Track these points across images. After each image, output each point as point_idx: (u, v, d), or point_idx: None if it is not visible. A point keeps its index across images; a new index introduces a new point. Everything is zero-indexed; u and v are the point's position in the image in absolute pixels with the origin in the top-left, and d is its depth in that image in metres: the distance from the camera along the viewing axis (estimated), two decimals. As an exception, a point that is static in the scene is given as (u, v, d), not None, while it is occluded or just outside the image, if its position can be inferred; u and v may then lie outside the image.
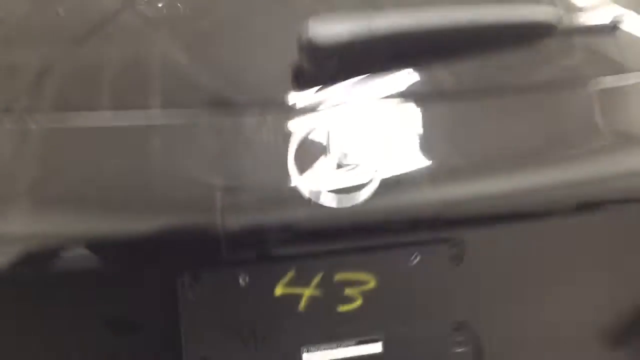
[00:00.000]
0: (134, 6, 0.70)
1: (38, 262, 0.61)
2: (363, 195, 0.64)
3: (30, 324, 0.65)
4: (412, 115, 0.69)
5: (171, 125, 0.63)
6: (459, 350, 0.71)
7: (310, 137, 0.64)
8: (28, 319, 0.64)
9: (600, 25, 0.79)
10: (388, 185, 0.65)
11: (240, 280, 0.65)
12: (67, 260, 0.61)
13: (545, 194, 0.71)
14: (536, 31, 0.72)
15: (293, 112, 0.65)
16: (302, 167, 0.63)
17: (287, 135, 0.64)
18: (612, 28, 0.79)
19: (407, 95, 0.68)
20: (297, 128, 0.64)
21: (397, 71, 0.69)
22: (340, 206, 0.63)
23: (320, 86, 0.66)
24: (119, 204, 0.62)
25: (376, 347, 0.69)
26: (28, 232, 0.60)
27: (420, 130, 0.68)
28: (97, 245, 0.61)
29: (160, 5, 0.70)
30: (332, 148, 0.64)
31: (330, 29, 0.61)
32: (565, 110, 0.74)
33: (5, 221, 0.60)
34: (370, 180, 0.64)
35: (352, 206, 0.64)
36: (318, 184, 0.63)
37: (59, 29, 0.68)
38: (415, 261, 0.69)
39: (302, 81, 0.66)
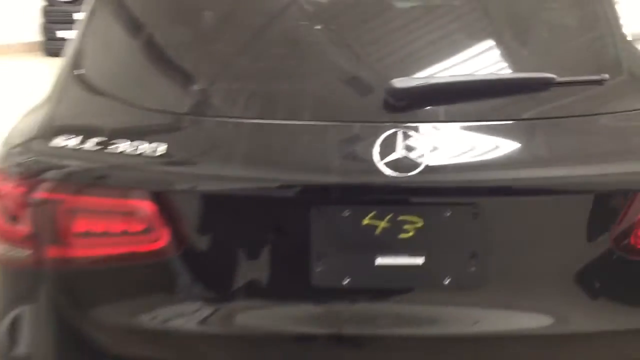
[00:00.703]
0: None
1: (243, 189, 1.18)
2: (420, 172, 1.14)
3: (234, 227, 1.22)
4: (455, 130, 1.18)
5: (320, 126, 1.18)
6: (472, 269, 1.19)
7: (389, 138, 1.15)
8: (234, 223, 1.21)
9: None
10: (436, 168, 1.14)
11: (345, 212, 1.18)
12: (257, 190, 1.17)
13: (533, 182, 1.17)
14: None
15: (384, 124, 1.17)
16: (384, 155, 1.14)
17: (378, 136, 1.16)
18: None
19: (447, 118, 1.18)
20: (384, 132, 1.16)
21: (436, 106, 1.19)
22: (405, 178, 1.14)
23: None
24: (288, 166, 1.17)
25: (419, 260, 1.19)
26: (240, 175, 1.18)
27: (456, 140, 1.17)
28: (274, 188, 1.17)
29: None
30: (400, 144, 1.15)
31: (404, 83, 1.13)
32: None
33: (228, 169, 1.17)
34: (423, 165, 1.14)
35: (412, 178, 1.14)
36: (393, 165, 1.14)
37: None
38: (448, 214, 1.18)
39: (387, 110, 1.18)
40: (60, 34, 8.44)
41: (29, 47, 8.75)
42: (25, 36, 8.75)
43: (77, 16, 8.50)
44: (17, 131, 1.35)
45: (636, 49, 1.34)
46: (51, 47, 8.55)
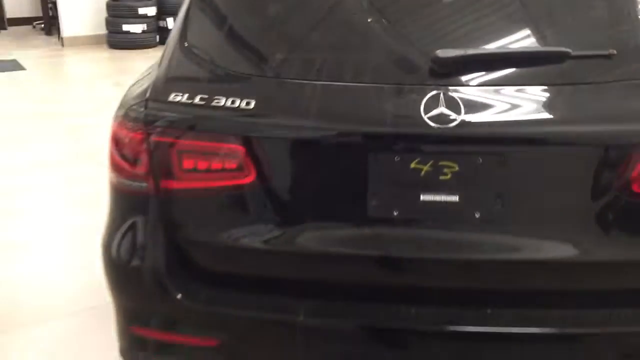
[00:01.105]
0: None
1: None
2: (457, 125, 1.42)
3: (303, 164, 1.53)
4: (487, 92, 1.46)
5: (378, 87, 1.48)
6: (498, 207, 1.48)
7: (433, 98, 1.44)
8: (307, 164, 1.53)
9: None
10: (470, 123, 1.43)
11: (396, 157, 1.47)
12: (326, 138, 1.49)
13: (548, 135, 1.45)
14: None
15: (429, 86, 1.46)
16: (428, 111, 1.44)
17: (424, 96, 1.45)
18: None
19: (481, 83, 1.47)
20: (429, 92, 1.45)
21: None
22: (444, 129, 1.43)
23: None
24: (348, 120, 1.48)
25: (455, 198, 1.48)
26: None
27: (487, 101, 1.45)
28: (340, 136, 1.48)
29: None
30: (442, 102, 1.44)
31: (446, 54, 1.42)
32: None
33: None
34: (459, 119, 1.42)
35: (450, 130, 1.42)
36: (435, 119, 1.43)
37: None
38: (479, 161, 1.47)
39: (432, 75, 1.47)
40: (125, 27, 8.94)
41: (96, 40, 9.30)
42: (91, 29, 9.30)
43: (141, 11, 8.97)
44: (132, 92, 1.69)
45: None
46: (114, 39, 9.08)
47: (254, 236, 1.55)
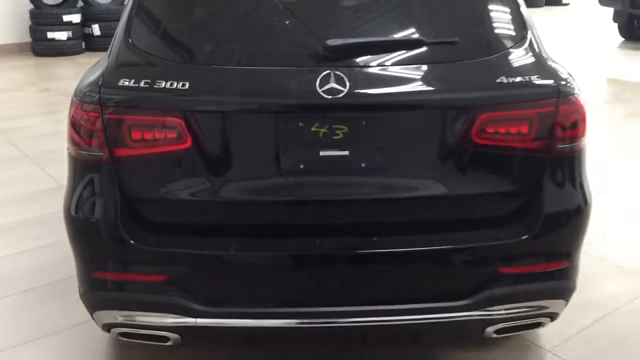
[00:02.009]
0: None
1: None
2: (344, 96, 1.89)
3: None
4: (366, 71, 1.94)
5: (284, 70, 1.93)
6: (377, 158, 1.95)
7: (325, 76, 1.90)
8: (230, 132, 1.96)
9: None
10: (354, 94, 1.89)
11: (300, 123, 1.93)
12: (245, 110, 1.93)
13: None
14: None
15: (322, 67, 1.92)
16: (321, 86, 1.89)
17: (318, 74, 1.90)
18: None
19: (362, 64, 1.95)
20: (322, 72, 1.91)
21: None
22: (335, 99, 1.89)
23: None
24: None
25: (346, 152, 1.94)
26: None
27: (367, 77, 1.93)
28: (256, 108, 1.92)
29: None
30: (332, 79, 1.90)
31: (334, 42, 1.90)
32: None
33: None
34: (345, 91, 1.89)
35: (339, 100, 1.88)
36: (328, 92, 1.89)
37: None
38: (363, 123, 1.94)
39: (324, 59, 1.93)
40: (50, 35, 9.05)
41: (19, 48, 9.36)
42: (15, 37, 9.35)
43: (66, 18, 9.09)
44: (86, 79, 2.07)
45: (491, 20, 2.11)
46: (39, 47, 9.18)
47: (191, 190, 1.97)
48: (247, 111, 1.95)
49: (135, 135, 1.93)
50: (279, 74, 1.95)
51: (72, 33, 9.18)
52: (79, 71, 8.04)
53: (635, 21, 10.25)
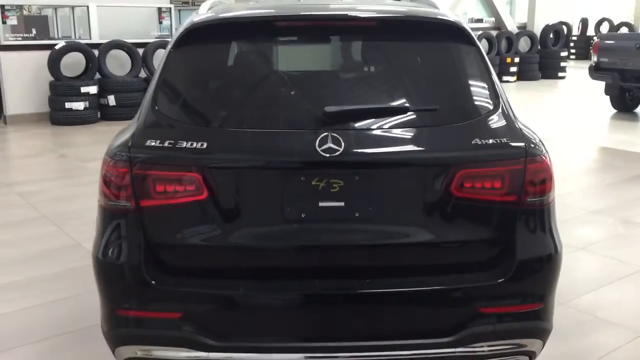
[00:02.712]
0: None
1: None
2: (340, 154, 2.18)
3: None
4: (359, 134, 2.25)
5: (288, 132, 2.25)
6: (370, 208, 2.22)
7: (324, 137, 2.21)
8: (242, 185, 2.25)
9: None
10: (349, 153, 2.19)
11: (302, 177, 2.22)
12: (254, 167, 2.23)
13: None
14: None
15: (321, 130, 2.23)
16: (321, 145, 2.19)
17: (318, 136, 2.21)
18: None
19: (356, 127, 2.26)
20: (321, 134, 2.22)
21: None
22: (332, 157, 2.18)
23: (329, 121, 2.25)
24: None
25: (342, 203, 2.22)
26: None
27: (360, 139, 2.24)
28: (264, 166, 2.23)
29: None
30: (329, 140, 2.20)
31: (332, 109, 2.22)
32: None
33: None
34: (341, 150, 2.19)
35: (336, 158, 2.17)
36: (326, 151, 2.19)
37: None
38: (357, 178, 2.22)
39: (323, 123, 2.25)
40: (68, 105, 9.55)
41: (38, 117, 9.84)
42: (34, 107, 9.85)
43: (84, 89, 9.62)
44: (116, 141, 2.38)
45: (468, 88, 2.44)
46: (57, 116, 9.66)
47: (205, 236, 2.25)
48: (256, 167, 2.25)
49: (159, 188, 2.22)
50: (283, 135, 2.26)
51: (89, 103, 9.68)
52: (94, 139, 8.63)
53: (627, 93, 10.70)
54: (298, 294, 2.26)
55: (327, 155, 2.18)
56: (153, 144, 2.24)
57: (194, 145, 2.21)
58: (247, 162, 2.24)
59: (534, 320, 2.33)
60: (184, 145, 2.21)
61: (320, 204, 2.22)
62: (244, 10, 2.65)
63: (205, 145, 2.21)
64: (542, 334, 2.37)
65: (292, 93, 2.40)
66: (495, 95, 2.41)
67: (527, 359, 2.40)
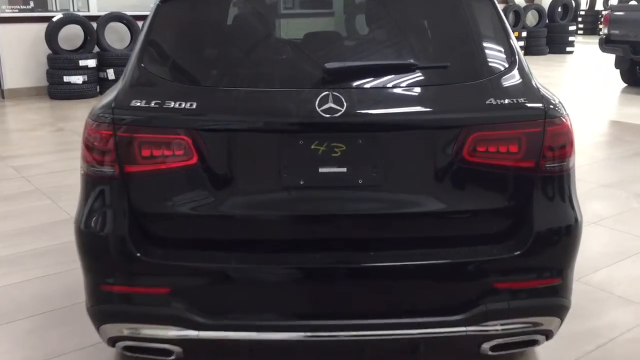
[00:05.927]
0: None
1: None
2: (341, 115, 2.00)
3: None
4: (362, 92, 2.05)
5: (286, 91, 2.05)
6: (373, 175, 2.04)
7: (324, 96, 2.02)
8: (234, 149, 2.06)
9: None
10: (351, 113, 2.00)
11: (300, 141, 2.03)
12: (248, 129, 2.04)
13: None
14: None
15: (321, 89, 2.04)
16: (320, 105, 2.01)
17: (318, 95, 2.02)
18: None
19: (357, 85, 2.07)
20: (321, 93, 2.03)
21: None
22: (333, 118, 2.00)
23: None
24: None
25: (343, 169, 2.03)
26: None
27: (363, 98, 2.04)
28: (259, 127, 2.04)
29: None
30: (330, 99, 2.01)
31: (332, 66, 2.02)
32: None
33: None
34: (342, 111, 2.00)
35: (337, 119, 1.99)
36: (326, 111, 2.00)
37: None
38: (360, 142, 2.04)
39: (323, 81, 2.06)
40: (66, 78, 9.35)
41: (36, 91, 9.65)
42: (32, 81, 9.66)
43: (82, 62, 9.40)
44: (101, 102, 2.20)
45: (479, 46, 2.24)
46: (55, 90, 9.46)
47: (195, 205, 2.07)
48: (250, 130, 2.06)
49: (145, 152, 2.04)
50: (280, 95, 2.07)
51: (88, 77, 9.47)
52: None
53: (637, 67, 10.42)
54: (296, 268, 2.08)
55: (328, 116, 1.99)
56: (138, 104, 2.06)
57: (183, 105, 2.03)
58: (240, 124, 2.06)
59: (552, 296, 2.15)
60: (172, 106, 2.03)
61: (320, 169, 2.04)
62: None
63: (195, 106, 2.02)
64: (560, 311, 2.19)
65: (291, 49, 2.21)
66: (511, 52, 2.21)
67: (543, 339, 2.23)
